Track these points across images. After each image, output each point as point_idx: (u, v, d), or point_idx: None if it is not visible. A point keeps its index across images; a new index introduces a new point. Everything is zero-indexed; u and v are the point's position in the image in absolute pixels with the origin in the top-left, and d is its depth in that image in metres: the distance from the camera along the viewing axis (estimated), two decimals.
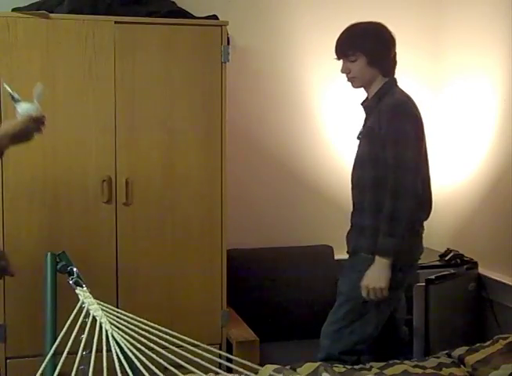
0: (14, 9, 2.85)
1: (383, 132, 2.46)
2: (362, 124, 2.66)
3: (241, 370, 1.31)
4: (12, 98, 2.16)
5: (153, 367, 1.20)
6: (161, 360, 1.25)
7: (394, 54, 2.64)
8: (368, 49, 2.55)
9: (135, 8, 2.91)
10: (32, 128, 2.16)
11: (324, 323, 2.66)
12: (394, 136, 2.44)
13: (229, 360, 1.43)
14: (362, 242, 2.55)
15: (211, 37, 2.91)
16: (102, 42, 2.79)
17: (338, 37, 2.63)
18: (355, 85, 2.64)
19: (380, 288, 2.44)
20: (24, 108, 2.13)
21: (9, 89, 2.16)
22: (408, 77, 3.49)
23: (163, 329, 1.31)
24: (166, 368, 1.24)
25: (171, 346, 1.30)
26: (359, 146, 2.63)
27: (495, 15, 3.29)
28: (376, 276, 2.45)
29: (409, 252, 2.55)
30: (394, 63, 2.65)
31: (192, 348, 1.30)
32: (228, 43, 2.96)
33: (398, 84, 2.65)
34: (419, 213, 2.53)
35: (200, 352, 1.29)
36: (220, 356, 1.37)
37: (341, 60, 2.62)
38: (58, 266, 2.10)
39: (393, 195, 2.42)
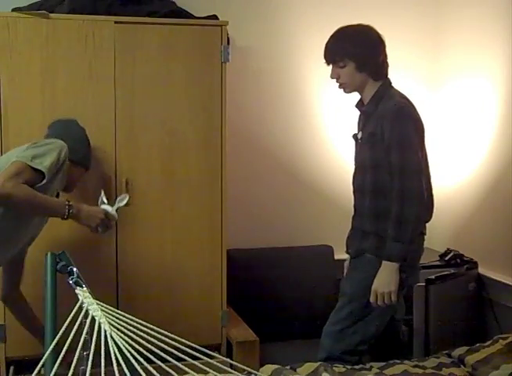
0: (14, 9, 2.85)
1: (386, 137, 2.43)
2: (360, 127, 2.64)
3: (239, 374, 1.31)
4: (102, 200, 2.54)
5: (151, 368, 1.20)
6: (159, 362, 1.25)
7: (385, 57, 2.57)
8: (356, 55, 2.50)
9: (135, 8, 2.92)
10: (100, 218, 2.43)
11: (324, 323, 2.65)
12: (398, 141, 2.41)
13: (231, 365, 1.43)
14: (365, 244, 2.54)
15: (211, 37, 2.91)
16: (102, 42, 2.79)
17: (326, 42, 2.58)
18: (347, 91, 2.61)
19: (390, 292, 2.42)
20: (105, 206, 2.51)
21: (102, 193, 2.56)
22: (407, 76, 3.51)
23: (161, 331, 1.31)
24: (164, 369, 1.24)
25: (169, 348, 1.30)
26: (360, 151, 2.61)
27: (495, 15, 3.28)
28: (386, 280, 2.43)
29: (413, 253, 2.54)
30: (385, 65, 2.58)
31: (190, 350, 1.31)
32: (228, 43, 2.96)
33: (398, 84, 2.63)
34: (425, 215, 2.53)
35: (198, 355, 1.30)
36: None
37: (331, 65, 2.59)
38: (58, 266, 2.11)
39: (400, 199, 2.39)
